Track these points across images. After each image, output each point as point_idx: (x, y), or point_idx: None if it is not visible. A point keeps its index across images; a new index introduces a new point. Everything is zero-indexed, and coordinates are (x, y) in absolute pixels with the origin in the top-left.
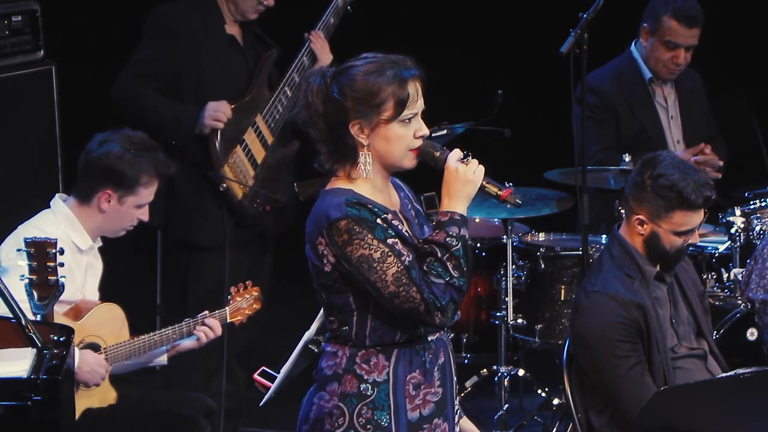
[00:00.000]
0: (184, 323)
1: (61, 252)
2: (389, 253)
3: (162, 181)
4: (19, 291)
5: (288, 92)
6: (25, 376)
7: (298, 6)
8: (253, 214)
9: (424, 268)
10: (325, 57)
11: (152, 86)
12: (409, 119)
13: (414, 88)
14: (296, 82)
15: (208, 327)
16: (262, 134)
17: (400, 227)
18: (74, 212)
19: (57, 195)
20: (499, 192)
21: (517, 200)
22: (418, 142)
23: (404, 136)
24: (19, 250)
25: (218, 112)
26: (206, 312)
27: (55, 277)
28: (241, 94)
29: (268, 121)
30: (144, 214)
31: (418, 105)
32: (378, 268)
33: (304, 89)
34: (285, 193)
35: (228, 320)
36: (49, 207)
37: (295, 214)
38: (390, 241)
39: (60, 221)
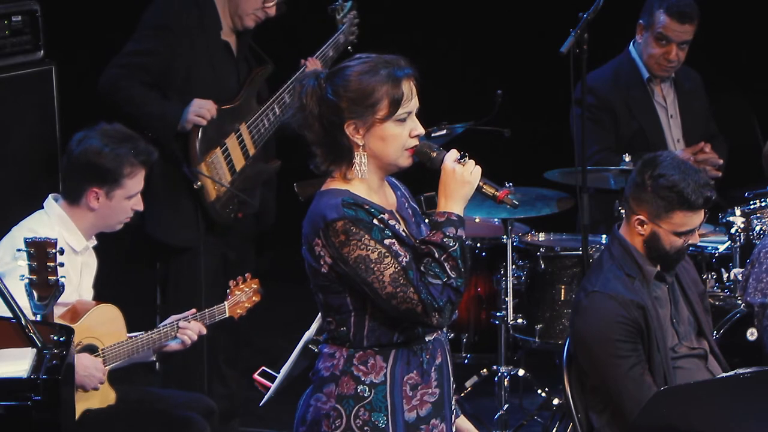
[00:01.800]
0: (182, 318)
1: (61, 252)
2: (386, 254)
3: (148, 169)
4: (19, 291)
5: (277, 110)
6: (25, 376)
7: (296, 32)
8: (225, 218)
9: (422, 268)
10: None
11: (140, 79)
12: (404, 118)
13: (408, 87)
14: (286, 103)
15: (189, 330)
16: (244, 143)
17: (397, 227)
18: (66, 213)
19: (50, 196)
20: (496, 193)
21: (514, 201)
22: (414, 141)
23: (399, 135)
24: (19, 250)
25: (203, 109)
26: (193, 311)
27: (55, 277)
28: (229, 100)
29: (252, 132)
30: (138, 204)
31: (412, 104)
32: (375, 268)
33: (298, 91)
34: (254, 207)
35: (227, 315)
36: (42, 208)
37: (273, 220)
38: (387, 241)
39: (54, 223)
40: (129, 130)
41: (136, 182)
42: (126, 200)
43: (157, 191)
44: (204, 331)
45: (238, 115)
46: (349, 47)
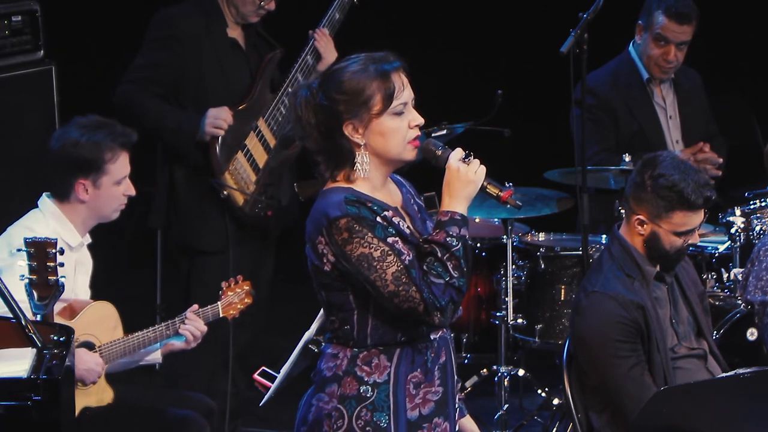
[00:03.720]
0: (177, 319)
1: (61, 252)
2: (389, 252)
3: (130, 151)
4: (19, 291)
5: None
6: (25, 376)
7: (302, 3)
8: (255, 218)
9: (424, 267)
10: (330, 55)
11: (153, 92)
12: (401, 111)
13: (399, 79)
14: (300, 83)
15: (192, 326)
16: (264, 138)
17: (401, 224)
18: (60, 209)
19: (44, 194)
20: (500, 193)
21: (517, 202)
22: (415, 132)
23: (398, 128)
24: (19, 250)
25: (219, 119)
26: (195, 306)
27: (55, 277)
28: (242, 98)
29: (271, 123)
30: (129, 189)
31: (405, 95)
32: (378, 266)
33: (293, 104)
34: (286, 195)
35: (221, 315)
36: (37, 207)
37: (297, 212)
38: (390, 239)
39: (49, 220)
40: (104, 118)
41: (120, 166)
42: (115, 186)
43: (183, 199)
44: (204, 329)
45: (255, 112)
46: (355, 0)
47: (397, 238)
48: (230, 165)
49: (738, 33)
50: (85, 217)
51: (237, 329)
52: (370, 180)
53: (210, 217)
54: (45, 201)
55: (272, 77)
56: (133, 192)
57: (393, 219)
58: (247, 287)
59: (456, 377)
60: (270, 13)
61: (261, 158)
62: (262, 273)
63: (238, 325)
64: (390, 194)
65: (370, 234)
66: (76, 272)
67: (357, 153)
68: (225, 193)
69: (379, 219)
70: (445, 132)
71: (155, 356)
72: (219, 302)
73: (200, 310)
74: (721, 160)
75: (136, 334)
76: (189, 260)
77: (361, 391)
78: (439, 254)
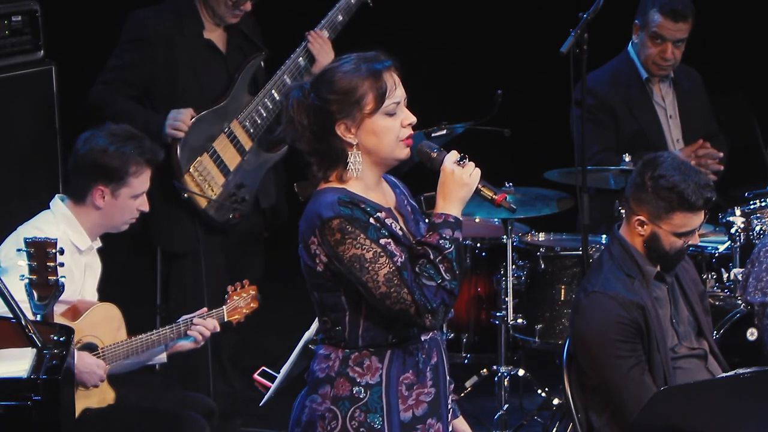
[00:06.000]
0: (181, 322)
1: (61, 252)
2: (381, 254)
3: (154, 168)
4: (19, 291)
5: (275, 95)
6: (25, 376)
7: (301, 4)
8: (220, 222)
9: (416, 269)
10: (325, 58)
11: (125, 93)
12: (393, 111)
13: (390, 79)
14: (288, 85)
15: (201, 326)
16: (237, 139)
17: (394, 225)
18: (72, 212)
19: (56, 196)
20: (494, 196)
21: (511, 205)
22: (408, 131)
23: (391, 127)
24: (19, 250)
25: (178, 121)
26: (204, 309)
27: (55, 277)
28: (215, 100)
29: (246, 125)
30: (143, 205)
31: (397, 94)
32: (370, 268)
33: (285, 106)
34: (271, 196)
35: (225, 319)
36: (48, 208)
37: (287, 212)
38: (383, 241)
39: (59, 222)
40: (135, 130)
41: (141, 181)
42: (131, 200)
43: (153, 201)
44: (218, 329)
45: (228, 114)
46: (369, 2)
47: (389, 240)
48: (191, 167)
49: (738, 33)
50: (95, 223)
51: (224, 332)
52: (363, 180)
53: (180, 219)
54: (57, 203)
55: (255, 79)
56: (146, 208)
57: (386, 220)
58: (254, 292)
59: (449, 378)
60: (266, 11)
61: (232, 160)
62: (249, 274)
63: (226, 326)
64: (383, 195)
65: (362, 235)
66: (86, 276)
67: (349, 152)
68: (186, 195)
69: (371, 220)
70: (445, 132)
71: (160, 357)
72: (224, 306)
73: (206, 314)
74: (721, 154)
75: (140, 336)
76: (164, 262)
77: (354, 392)
78: (432, 256)
